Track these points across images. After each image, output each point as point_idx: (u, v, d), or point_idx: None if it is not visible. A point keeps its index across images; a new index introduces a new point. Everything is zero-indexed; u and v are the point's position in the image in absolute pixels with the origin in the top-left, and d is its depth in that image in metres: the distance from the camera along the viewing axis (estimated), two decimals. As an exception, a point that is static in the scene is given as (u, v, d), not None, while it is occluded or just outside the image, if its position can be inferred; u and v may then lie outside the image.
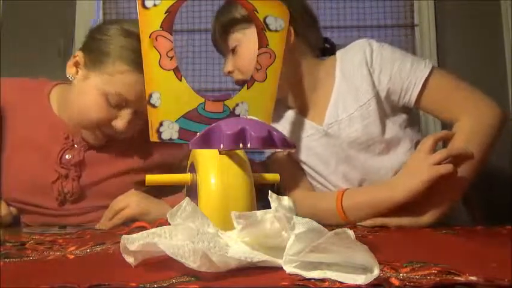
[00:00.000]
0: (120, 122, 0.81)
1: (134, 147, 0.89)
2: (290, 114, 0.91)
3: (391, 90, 0.83)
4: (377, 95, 0.82)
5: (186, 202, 0.41)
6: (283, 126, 0.90)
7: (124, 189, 0.83)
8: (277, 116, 0.91)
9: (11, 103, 0.86)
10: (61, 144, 0.85)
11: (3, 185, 0.83)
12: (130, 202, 0.79)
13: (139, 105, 0.80)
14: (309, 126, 0.88)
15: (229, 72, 0.89)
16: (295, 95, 0.90)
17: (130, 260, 0.38)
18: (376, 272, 0.31)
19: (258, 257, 0.37)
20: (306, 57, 0.89)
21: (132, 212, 0.79)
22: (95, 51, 0.83)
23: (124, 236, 0.38)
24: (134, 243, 0.37)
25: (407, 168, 0.74)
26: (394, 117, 0.85)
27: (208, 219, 0.42)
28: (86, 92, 0.82)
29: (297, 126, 0.89)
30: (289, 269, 0.35)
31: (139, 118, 0.82)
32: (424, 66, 0.81)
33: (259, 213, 0.40)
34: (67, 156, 0.85)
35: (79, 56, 0.84)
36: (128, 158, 0.89)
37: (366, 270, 0.32)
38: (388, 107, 0.84)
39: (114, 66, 0.80)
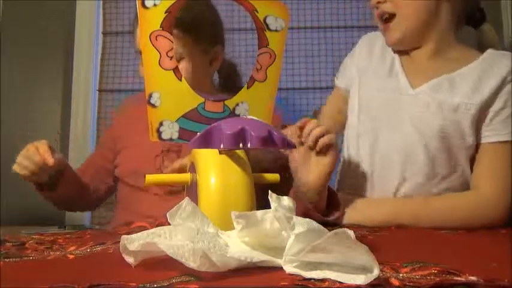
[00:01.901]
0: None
1: None
2: (396, 62, 0.88)
3: (487, 118, 0.79)
4: (482, 109, 0.78)
5: (186, 202, 0.41)
6: (382, 63, 0.89)
7: None
8: (383, 51, 0.91)
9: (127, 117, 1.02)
10: None
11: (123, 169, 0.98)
12: None
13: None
14: (402, 80, 0.84)
15: (378, 3, 0.89)
16: (411, 51, 0.87)
17: (130, 260, 0.38)
18: (376, 272, 0.31)
19: (258, 257, 0.37)
20: (447, 21, 0.85)
21: None
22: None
23: (124, 236, 0.38)
24: (134, 243, 0.37)
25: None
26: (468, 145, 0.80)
27: (208, 219, 0.42)
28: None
29: (391, 74, 0.87)
30: (289, 269, 0.35)
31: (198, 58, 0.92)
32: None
33: (259, 213, 0.40)
34: None
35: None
36: None
37: (365, 270, 0.32)
38: (476, 126, 0.79)
39: None
